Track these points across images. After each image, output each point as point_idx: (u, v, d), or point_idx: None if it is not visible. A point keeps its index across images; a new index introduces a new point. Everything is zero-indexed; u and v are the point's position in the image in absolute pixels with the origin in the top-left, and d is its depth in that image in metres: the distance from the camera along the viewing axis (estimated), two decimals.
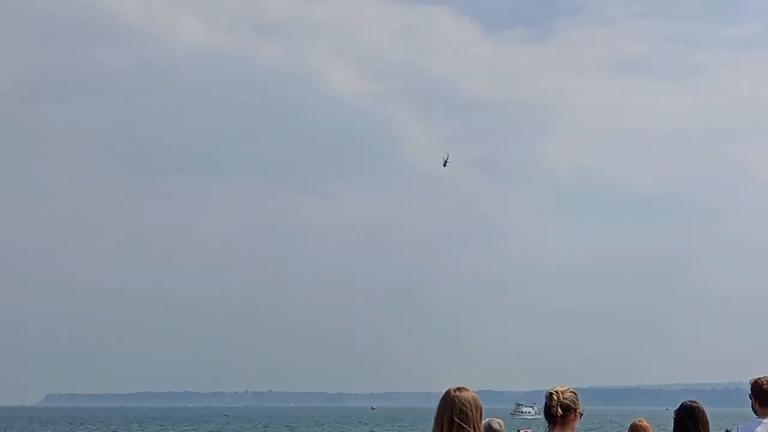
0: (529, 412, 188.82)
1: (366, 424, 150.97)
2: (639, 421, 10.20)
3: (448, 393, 6.07)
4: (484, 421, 7.23)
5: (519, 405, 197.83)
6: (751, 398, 8.75)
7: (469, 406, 6.00)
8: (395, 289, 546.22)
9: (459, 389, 6.10)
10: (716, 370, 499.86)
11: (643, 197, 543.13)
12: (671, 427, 9.03)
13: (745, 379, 9.47)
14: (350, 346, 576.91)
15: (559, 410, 6.48)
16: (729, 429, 14.70)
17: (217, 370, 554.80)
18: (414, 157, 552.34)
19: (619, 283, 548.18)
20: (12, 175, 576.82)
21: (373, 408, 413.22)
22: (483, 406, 6.33)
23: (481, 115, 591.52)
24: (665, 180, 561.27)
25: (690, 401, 8.97)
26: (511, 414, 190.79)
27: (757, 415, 8.68)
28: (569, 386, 6.71)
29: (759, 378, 8.71)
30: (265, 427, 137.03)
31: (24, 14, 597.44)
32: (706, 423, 8.81)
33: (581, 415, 6.64)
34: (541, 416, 6.97)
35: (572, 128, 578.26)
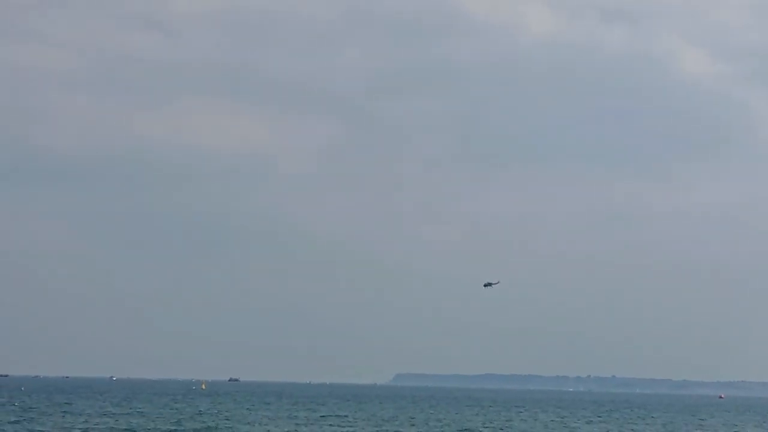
0: None
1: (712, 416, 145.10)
2: None
3: None
4: None
5: None
6: None
7: None
8: (754, 274, 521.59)
9: None
10: None
11: None
12: None
13: None
14: (697, 331, 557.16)
15: None
16: None
17: (561, 354, 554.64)
18: None
19: None
20: (368, 166, 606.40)
21: (721, 397, 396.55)
22: None
23: None
24: None
25: None
26: None
27: None
28: None
29: None
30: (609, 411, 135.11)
31: (374, 14, 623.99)
32: None
33: None
34: None
35: None
